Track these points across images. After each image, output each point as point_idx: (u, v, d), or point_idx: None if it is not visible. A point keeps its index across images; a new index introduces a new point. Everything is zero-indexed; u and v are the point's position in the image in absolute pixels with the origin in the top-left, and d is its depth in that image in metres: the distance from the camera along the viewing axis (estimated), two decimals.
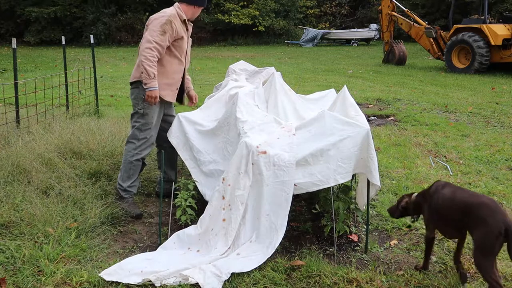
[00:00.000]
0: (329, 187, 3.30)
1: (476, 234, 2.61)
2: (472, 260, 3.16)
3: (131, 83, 4.05)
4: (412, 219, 3.26)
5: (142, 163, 4.11)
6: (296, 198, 3.79)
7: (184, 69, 4.20)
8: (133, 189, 4.07)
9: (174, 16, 3.88)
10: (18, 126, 5.61)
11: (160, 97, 3.92)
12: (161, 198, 3.68)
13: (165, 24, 3.79)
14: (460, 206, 2.70)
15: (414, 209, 3.13)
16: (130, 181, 4.02)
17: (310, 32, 28.99)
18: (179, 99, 4.31)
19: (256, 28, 29.64)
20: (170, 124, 4.13)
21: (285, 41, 30.18)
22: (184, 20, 4.01)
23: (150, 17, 3.96)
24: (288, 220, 3.23)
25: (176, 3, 4.03)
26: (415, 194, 3.15)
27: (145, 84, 3.78)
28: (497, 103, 9.12)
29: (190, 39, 4.26)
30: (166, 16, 3.82)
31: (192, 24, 4.21)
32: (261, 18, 29.49)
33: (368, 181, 3.34)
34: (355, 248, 3.43)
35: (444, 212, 2.81)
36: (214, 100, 4.41)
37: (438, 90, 10.97)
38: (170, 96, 4.07)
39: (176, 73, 4.09)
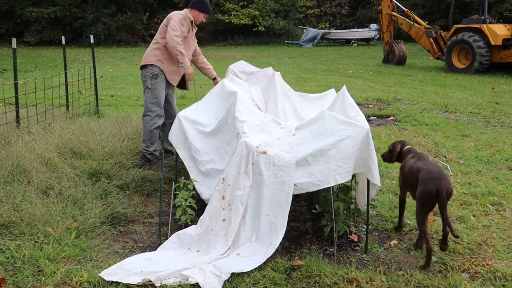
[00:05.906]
0: (329, 187, 3.30)
1: (417, 192, 3.18)
2: (473, 260, 3.18)
3: (143, 66, 5.00)
4: None
5: (158, 131, 5.10)
6: (296, 198, 3.79)
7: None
8: (156, 152, 5.10)
9: (186, 16, 4.95)
10: (18, 126, 5.61)
11: (166, 80, 5.02)
12: (161, 198, 3.68)
13: (182, 19, 4.88)
14: (415, 172, 3.26)
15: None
16: (154, 146, 5.05)
17: (310, 32, 29.00)
18: (183, 86, 5.29)
19: (256, 28, 29.65)
20: (169, 103, 5.23)
21: (285, 41, 30.19)
22: (192, 21, 5.01)
23: (169, 14, 4.96)
24: (288, 220, 3.23)
25: (186, 8, 5.08)
26: (408, 146, 3.67)
27: (182, 63, 4.85)
28: (497, 103, 9.12)
29: (196, 40, 5.27)
30: (183, 15, 4.92)
31: (197, 28, 5.22)
32: (261, 18, 29.50)
33: (368, 181, 3.34)
34: (355, 248, 3.43)
35: (408, 177, 3.38)
36: (215, 96, 4.38)
37: (438, 90, 10.97)
38: (175, 81, 5.13)
39: None
